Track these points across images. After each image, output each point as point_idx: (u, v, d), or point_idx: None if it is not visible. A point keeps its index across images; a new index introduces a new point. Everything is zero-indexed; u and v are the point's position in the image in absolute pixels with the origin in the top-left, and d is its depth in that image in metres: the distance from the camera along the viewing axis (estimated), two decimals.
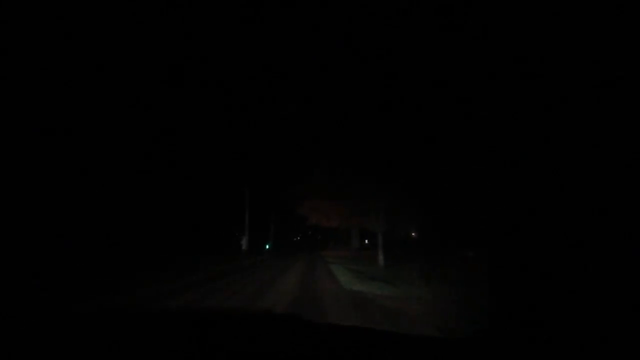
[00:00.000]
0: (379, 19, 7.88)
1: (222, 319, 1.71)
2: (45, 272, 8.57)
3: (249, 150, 26.89)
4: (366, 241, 30.36)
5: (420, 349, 1.26)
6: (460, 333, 2.59)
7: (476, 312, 3.65)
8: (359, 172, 17.77)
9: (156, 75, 13.64)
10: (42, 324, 1.47)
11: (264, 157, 28.15)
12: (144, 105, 14.66)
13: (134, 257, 14.17)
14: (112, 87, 12.48)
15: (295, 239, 61.01)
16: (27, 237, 10.04)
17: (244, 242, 27.09)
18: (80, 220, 13.05)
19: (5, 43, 9.20)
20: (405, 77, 8.94)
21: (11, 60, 9.44)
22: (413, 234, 34.30)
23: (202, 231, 27.02)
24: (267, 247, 36.55)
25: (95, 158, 13.23)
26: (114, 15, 10.23)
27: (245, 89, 23.69)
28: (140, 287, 8.04)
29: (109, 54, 11.42)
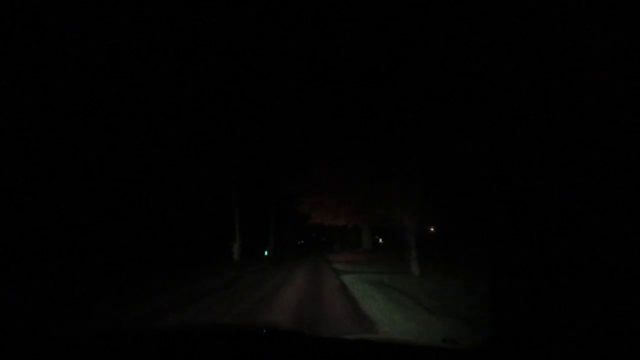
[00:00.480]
0: None
1: (224, 333, 1.76)
2: None
3: (239, 143, 22.46)
4: (380, 240, 25.55)
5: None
6: (465, 343, 1.83)
7: None
8: (370, 158, 13.78)
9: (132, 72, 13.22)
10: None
11: (257, 149, 23.70)
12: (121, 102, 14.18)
13: (99, 272, 12.41)
14: (90, 91, 12.25)
15: (298, 242, 57.65)
16: None
17: (235, 250, 22.63)
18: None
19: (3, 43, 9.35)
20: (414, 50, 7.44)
21: None
22: (432, 228, 29.78)
23: (189, 238, 22.68)
24: (266, 253, 32.33)
25: (67, 160, 12.62)
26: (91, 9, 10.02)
27: (228, 73, 19.47)
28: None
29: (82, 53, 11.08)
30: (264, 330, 1.72)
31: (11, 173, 10.74)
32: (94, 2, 10.03)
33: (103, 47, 11.30)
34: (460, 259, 13.90)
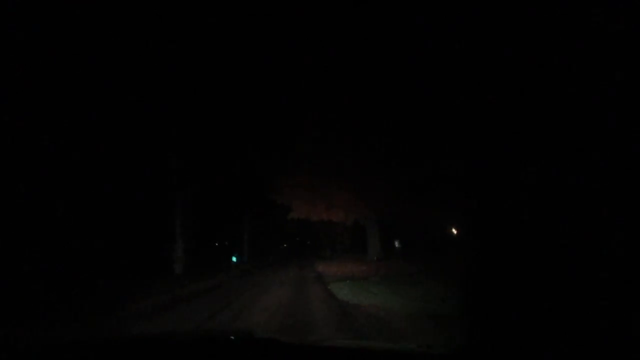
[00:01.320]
0: None
1: (196, 340, 1.67)
2: None
3: (181, 100, 14.53)
4: (396, 244, 17.77)
5: None
6: (438, 349, 1.83)
7: None
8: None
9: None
10: None
11: (215, 114, 15.79)
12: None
13: None
14: None
15: (282, 246, 50.82)
16: None
17: (178, 257, 14.97)
18: None
19: None
20: None
21: None
22: (454, 230, 22.68)
23: (109, 244, 14.99)
24: (235, 259, 24.87)
25: None
26: None
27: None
28: None
29: None
30: (236, 337, 1.68)
31: None
32: None
33: None
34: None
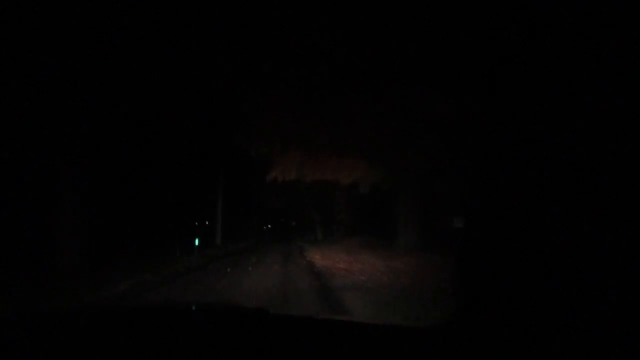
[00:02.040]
0: None
1: (183, 311, 1.62)
2: None
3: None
4: (456, 223, 11.29)
5: (389, 338, 1.22)
6: (425, 322, 2.34)
7: None
8: None
9: None
10: None
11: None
12: None
13: None
14: None
15: (264, 228, 46.47)
16: None
17: (62, 240, 8.21)
18: None
19: None
20: None
21: None
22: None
23: None
24: (197, 242, 18.66)
25: None
26: None
27: None
28: None
29: None
30: (224, 309, 1.68)
31: None
32: None
33: None
34: None
